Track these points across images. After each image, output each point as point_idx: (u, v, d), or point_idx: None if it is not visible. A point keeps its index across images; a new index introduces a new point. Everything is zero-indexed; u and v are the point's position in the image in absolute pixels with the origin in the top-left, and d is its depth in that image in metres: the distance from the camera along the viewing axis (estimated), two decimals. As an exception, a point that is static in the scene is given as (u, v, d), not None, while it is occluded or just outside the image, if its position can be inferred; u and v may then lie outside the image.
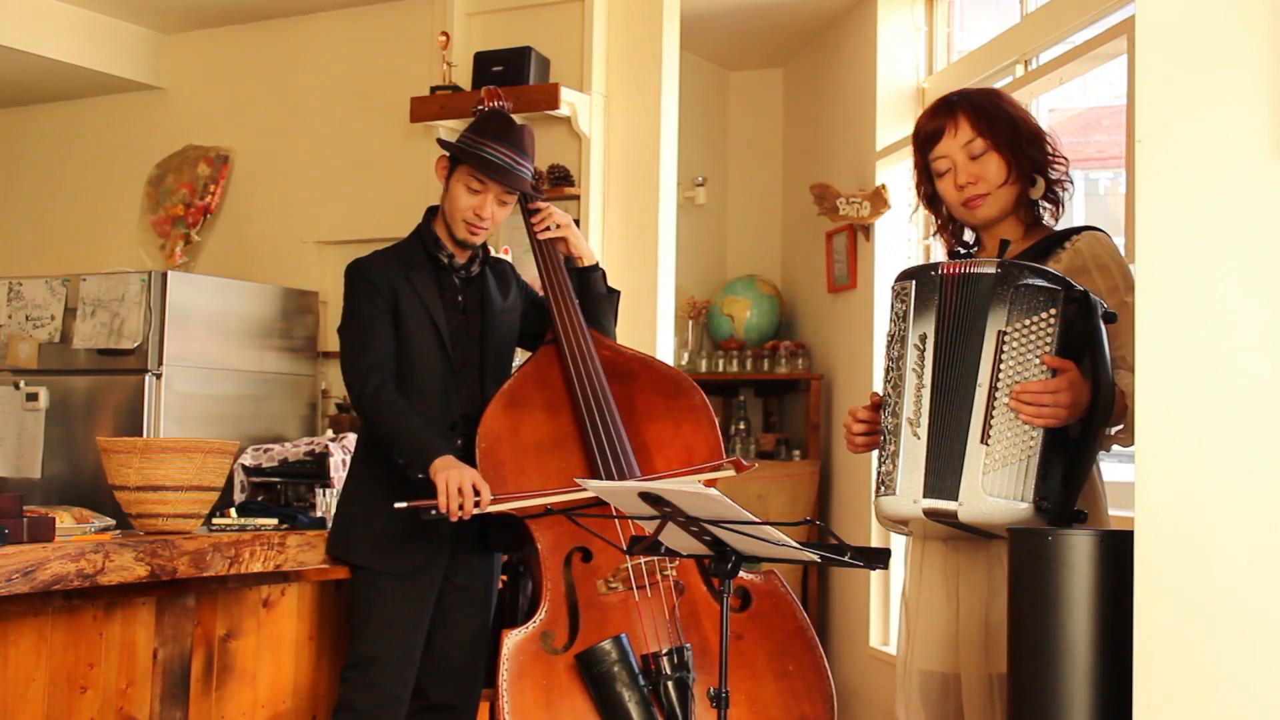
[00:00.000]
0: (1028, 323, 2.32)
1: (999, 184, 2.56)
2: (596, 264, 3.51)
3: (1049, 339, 2.31)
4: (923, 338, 2.42)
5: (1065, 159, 2.62)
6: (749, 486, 5.80)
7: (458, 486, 3.05)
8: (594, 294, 3.49)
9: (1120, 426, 2.39)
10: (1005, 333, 2.33)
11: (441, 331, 3.29)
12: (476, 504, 3.06)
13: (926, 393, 2.39)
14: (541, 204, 3.46)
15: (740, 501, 2.31)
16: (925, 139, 2.63)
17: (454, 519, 3.07)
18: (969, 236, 2.75)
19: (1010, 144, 2.55)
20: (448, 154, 3.32)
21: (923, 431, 2.37)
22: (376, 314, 3.24)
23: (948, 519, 2.35)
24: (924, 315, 2.41)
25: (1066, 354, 2.32)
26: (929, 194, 2.70)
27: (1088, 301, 2.33)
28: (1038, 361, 2.31)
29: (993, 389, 2.33)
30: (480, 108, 3.41)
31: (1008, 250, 2.62)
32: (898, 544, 5.06)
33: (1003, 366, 2.33)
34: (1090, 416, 2.31)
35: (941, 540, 2.55)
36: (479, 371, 3.36)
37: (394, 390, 3.22)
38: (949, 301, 2.40)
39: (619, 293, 3.62)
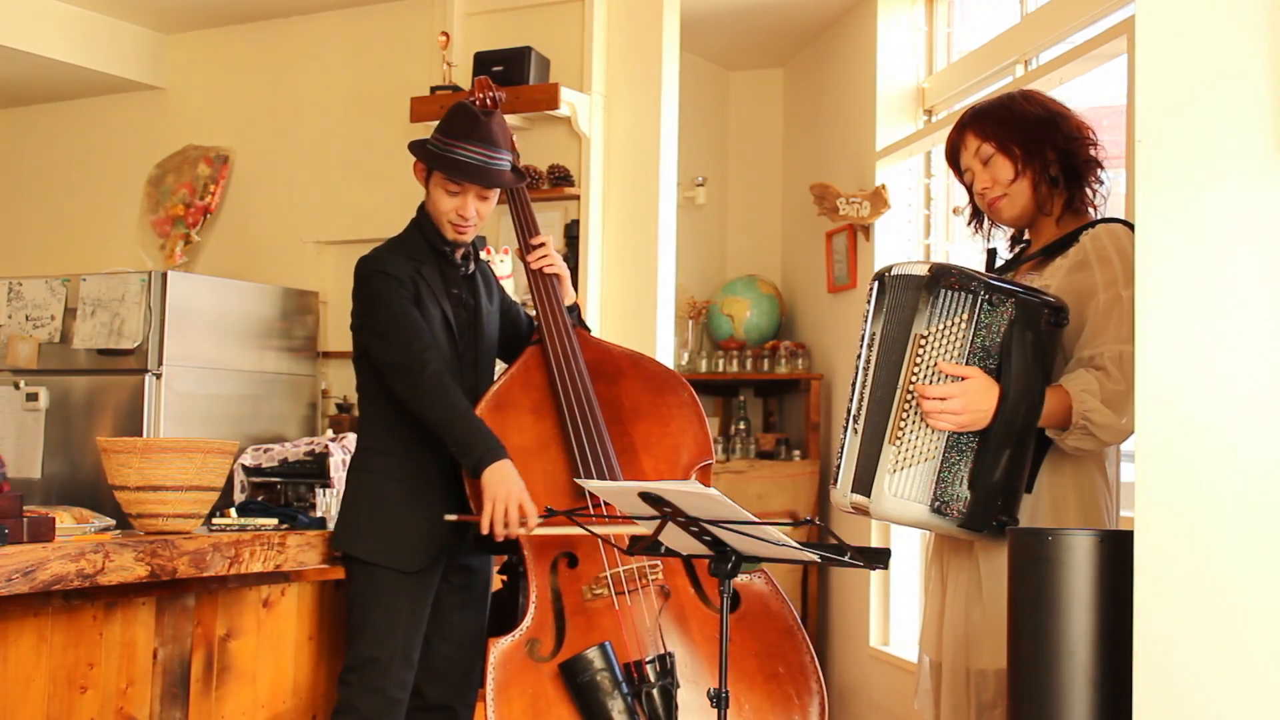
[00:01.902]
0: (941, 327, 2.36)
1: (1009, 181, 2.56)
2: (575, 304, 3.51)
3: (960, 343, 2.34)
4: (873, 337, 2.48)
5: (1086, 139, 2.56)
6: (749, 487, 5.80)
7: (504, 508, 3.05)
8: None
9: (1066, 431, 2.38)
10: (924, 336, 2.37)
11: (452, 324, 3.27)
12: (522, 525, 3.06)
13: (867, 391, 2.45)
14: (542, 239, 3.45)
15: (740, 501, 2.32)
16: (951, 160, 2.68)
17: (499, 539, 3.08)
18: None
19: (1015, 140, 2.55)
20: (421, 160, 3.26)
21: (860, 428, 2.44)
22: (409, 305, 3.19)
23: (865, 514, 2.43)
24: (878, 315, 2.48)
25: (987, 359, 2.34)
26: (976, 210, 2.72)
27: (1013, 306, 2.33)
28: (945, 365, 2.34)
29: (905, 391, 2.37)
30: (472, 99, 3.39)
31: (1026, 250, 2.63)
32: (899, 544, 5.08)
33: (915, 370, 2.37)
34: (994, 423, 2.33)
35: (942, 536, 2.57)
36: (475, 367, 3.34)
37: (450, 378, 3.18)
38: (892, 303, 2.45)
39: (589, 329, 3.64)
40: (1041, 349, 2.37)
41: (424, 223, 3.32)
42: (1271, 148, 1.83)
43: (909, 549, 5.21)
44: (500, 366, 3.53)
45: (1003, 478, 2.35)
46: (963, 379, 2.33)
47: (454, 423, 3.13)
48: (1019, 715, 2.12)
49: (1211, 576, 1.85)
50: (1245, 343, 1.85)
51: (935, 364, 2.35)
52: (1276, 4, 1.84)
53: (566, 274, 3.47)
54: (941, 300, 2.36)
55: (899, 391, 2.38)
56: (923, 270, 2.40)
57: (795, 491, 5.75)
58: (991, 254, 2.69)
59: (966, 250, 5.09)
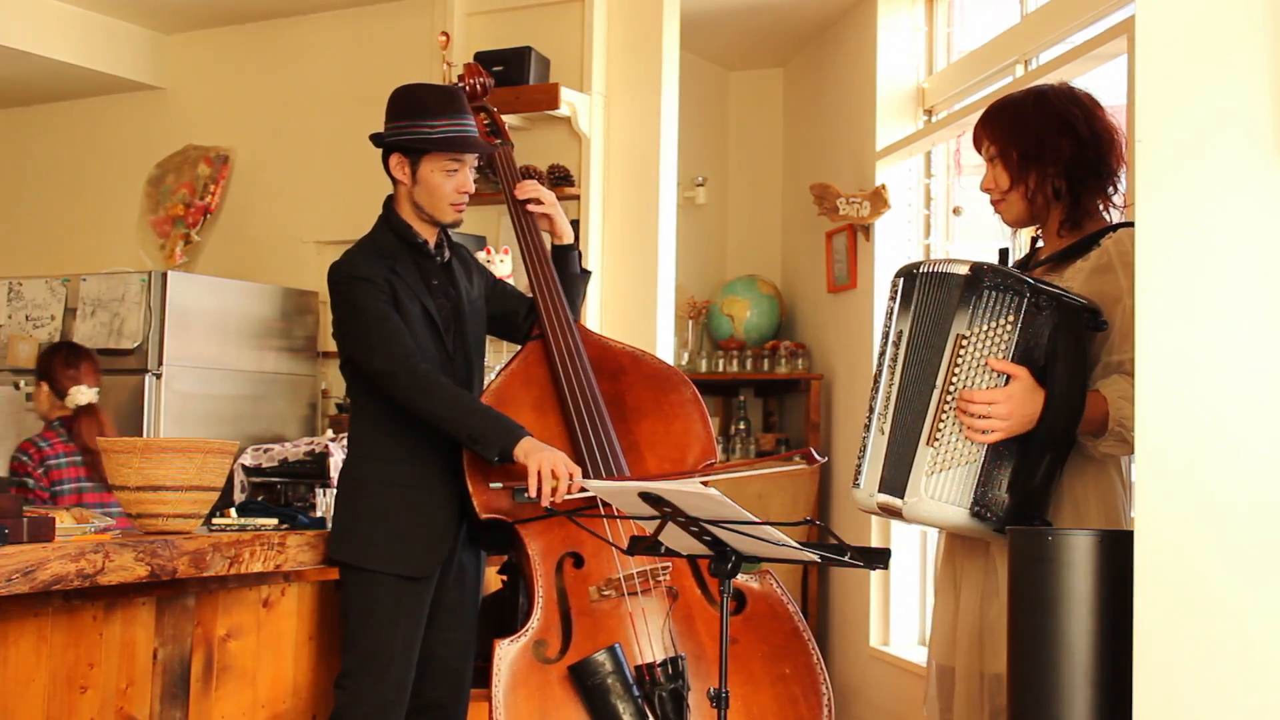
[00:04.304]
0: (985, 328, 2.32)
1: (1005, 189, 2.54)
2: (574, 243, 3.49)
3: (1005, 346, 2.31)
4: (900, 335, 2.43)
5: (1096, 156, 2.48)
6: (749, 486, 5.79)
7: (550, 470, 3.01)
8: (569, 273, 3.45)
9: (1102, 436, 2.35)
10: (965, 336, 2.33)
11: (435, 320, 3.21)
12: (568, 488, 3.01)
13: (895, 390, 2.41)
14: (526, 182, 3.44)
15: (740, 501, 2.31)
16: (976, 148, 2.62)
17: (545, 503, 3.02)
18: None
19: (1016, 147, 2.51)
20: (401, 151, 3.20)
21: (887, 427, 2.40)
22: (386, 308, 3.13)
23: (895, 515, 2.39)
24: (905, 313, 2.43)
25: (1029, 361, 2.31)
26: None
27: (1056, 309, 2.31)
28: (988, 368, 2.31)
29: (944, 393, 2.33)
30: (462, 85, 3.38)
31: (1039, 253, 2.59)
32: (899, 544, 5.08)
33: (956, 371, 2.33)
34: (1038, 429, 2.30)
35: (953, 536, 2.55)
36: (465, 357, 3.30)
37: (439, 374, 3.13)
38: (924, 301, 2.40)
39: (590, 273, 3.61)
40: (1082, 353, 2.34)
41: (395, 220, 3.25)
42: (1271, 147, 1.83)
43: (909, 549, 5.21)
44: (493, 355, 3.50)
45: (1041, 481, 2.33)
46: (1010, 377, 2.29)
47: (460, 415, 3.07)
48: (1019, 715, 2.12)
49: (1212, 576, 1.85)
50: (1245, 342, 1.85)
51: (980, 365, 2.31)
52: (1277, 4, 1.84)
53: (560, 213, 3.44)
54: (985, 300, 2.31)
55: (937, 392, 2.33)
56: (962, 269, 2.35)
57: (795, 491, 5.75)
58: (1004, 253, 2.65)
59: (966, 250, 5.09)
